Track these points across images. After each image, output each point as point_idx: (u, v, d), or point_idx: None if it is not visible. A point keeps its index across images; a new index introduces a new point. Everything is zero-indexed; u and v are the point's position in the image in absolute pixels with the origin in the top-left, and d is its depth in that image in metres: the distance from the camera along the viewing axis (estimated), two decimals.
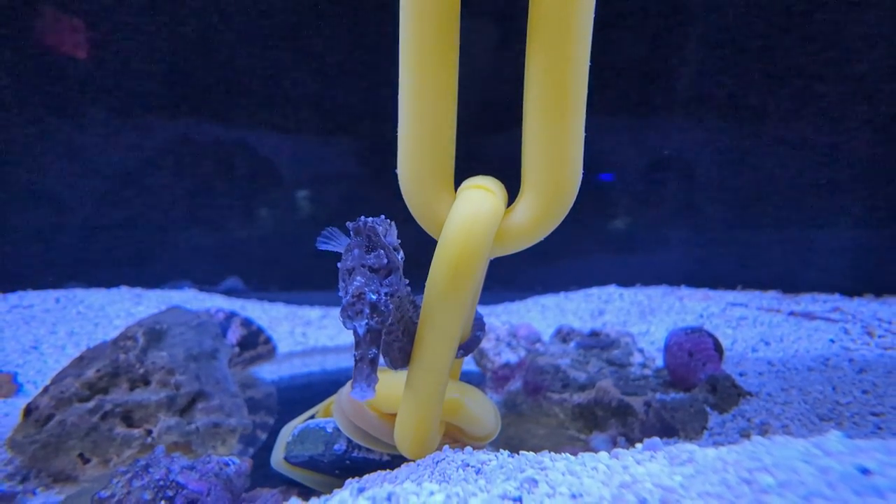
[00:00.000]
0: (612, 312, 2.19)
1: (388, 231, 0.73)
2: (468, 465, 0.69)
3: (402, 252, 0.74)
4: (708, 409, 1.19)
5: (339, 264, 0.70)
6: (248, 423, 1.21)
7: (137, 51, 2.13)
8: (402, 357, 0.77)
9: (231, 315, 1.76)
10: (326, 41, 2.24)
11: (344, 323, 0.66)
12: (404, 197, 0.78)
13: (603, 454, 0.69)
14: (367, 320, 0.64)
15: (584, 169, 0.74)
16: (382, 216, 0.74)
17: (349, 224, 0.70)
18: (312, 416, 1.05)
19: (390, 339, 0.75)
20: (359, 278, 0.66)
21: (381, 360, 0.69)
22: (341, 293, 0.67)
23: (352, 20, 2.21)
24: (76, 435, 1.04)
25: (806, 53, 2.15)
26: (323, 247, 0.74)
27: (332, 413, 0.95)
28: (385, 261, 0.68)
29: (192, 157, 2.33)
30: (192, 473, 0.84)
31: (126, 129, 2.22)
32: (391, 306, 0.67)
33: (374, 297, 0.65)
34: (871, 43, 2.09)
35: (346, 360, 1.90)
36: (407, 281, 0.74)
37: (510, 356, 1.53)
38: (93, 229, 2.30)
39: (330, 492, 0.67)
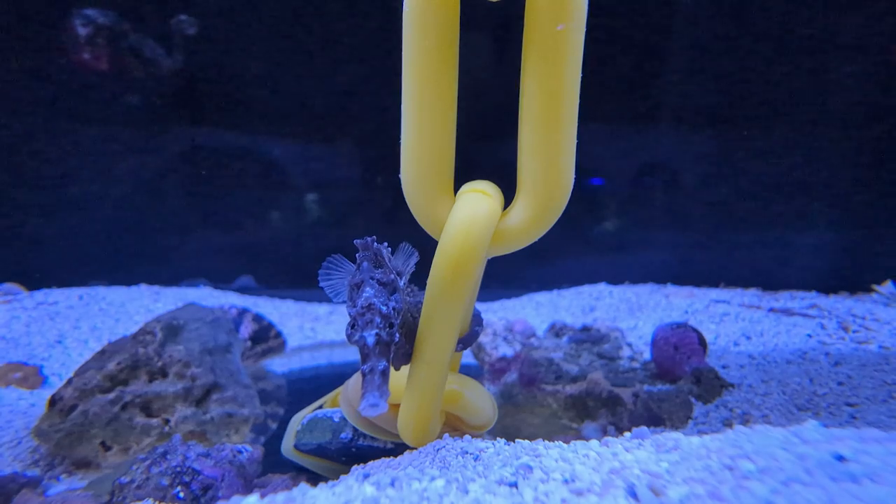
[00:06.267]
0: (603, 309, 2.19)
1: (391, 257, 0.71)
2: (467, 452, 0.69)
3: (404, 278, 0.72)
4: (693, 399, 1.19)
5: (346, 280, 0.67)
6: (259, 413, 1.21)
7: (156, 62, 2.13)
8: (403, 358, 0.76)
9: (244, 311, 1.76)
10: (334, 51, 2.24)
11: (351, 336, 0.62)
12: (406, 200, 0.78)
13: (594, 442, 0.69)
14: (376, 330, 0.61)
15: (575, 173, 0.74)
16: (385, 244, 0.72)
17: (357, 241, 0.68)
18: (320, 407, 1.05)
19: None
20: (368, 289, 0.64)
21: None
22: (349, 309, 0.64)
23: (357, 30, 2.21)
24: (98, 424, 1.04)
25: (783, 63, 2.15)
26: (324, 283, 0.70)
27: (339, 403, 0.95)
28: (392, 277, 0.67)
29: (207, 162, 2.33)
30: (207, 460, 0.84)
31: (145, 136, 2.23)
32: (398, 321, 0.64)
33: (384, 308, 0.63)
34: (846, 52, 2.10)
35: (353, 354, 1.89)
36: (417, 288, 0.72)
37: (506, 350, 1.53)
38: (114, 231, 2.30)
39: (337, 478, 0.67)
